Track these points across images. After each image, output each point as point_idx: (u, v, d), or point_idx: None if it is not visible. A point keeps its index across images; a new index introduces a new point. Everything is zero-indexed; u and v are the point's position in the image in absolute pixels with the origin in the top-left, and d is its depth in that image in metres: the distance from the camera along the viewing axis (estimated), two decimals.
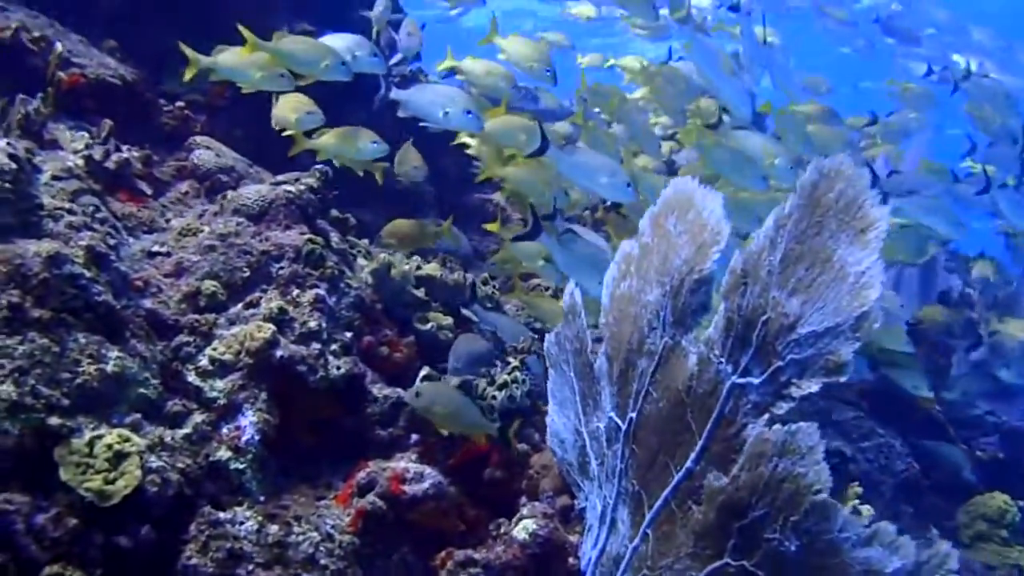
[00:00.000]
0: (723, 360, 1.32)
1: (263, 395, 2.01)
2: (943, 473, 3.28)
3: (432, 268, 2.81)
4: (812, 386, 1.17)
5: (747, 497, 1.30)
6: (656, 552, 1.63)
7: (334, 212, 2.75)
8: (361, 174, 2.69)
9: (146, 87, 2.92)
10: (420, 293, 2.72)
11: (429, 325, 2.61)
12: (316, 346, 2.15)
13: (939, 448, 3.29)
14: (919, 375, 3.10)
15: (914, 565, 1.13)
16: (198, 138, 2.83)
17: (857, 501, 2.54)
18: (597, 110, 3.36)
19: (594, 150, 2.99)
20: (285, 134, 2.49)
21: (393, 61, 2.64)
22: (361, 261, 2.66)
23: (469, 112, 2.51)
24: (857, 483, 2.67)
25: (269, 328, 2.08)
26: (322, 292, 2.24)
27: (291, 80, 2.29)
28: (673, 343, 1.50)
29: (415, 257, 2.90)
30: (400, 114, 2.58)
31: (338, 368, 2.17)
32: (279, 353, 2.06)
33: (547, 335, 1.95)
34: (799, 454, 1.20)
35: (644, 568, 1.67)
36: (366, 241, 2.86)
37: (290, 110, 2.39)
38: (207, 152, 2.75)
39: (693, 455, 1.51)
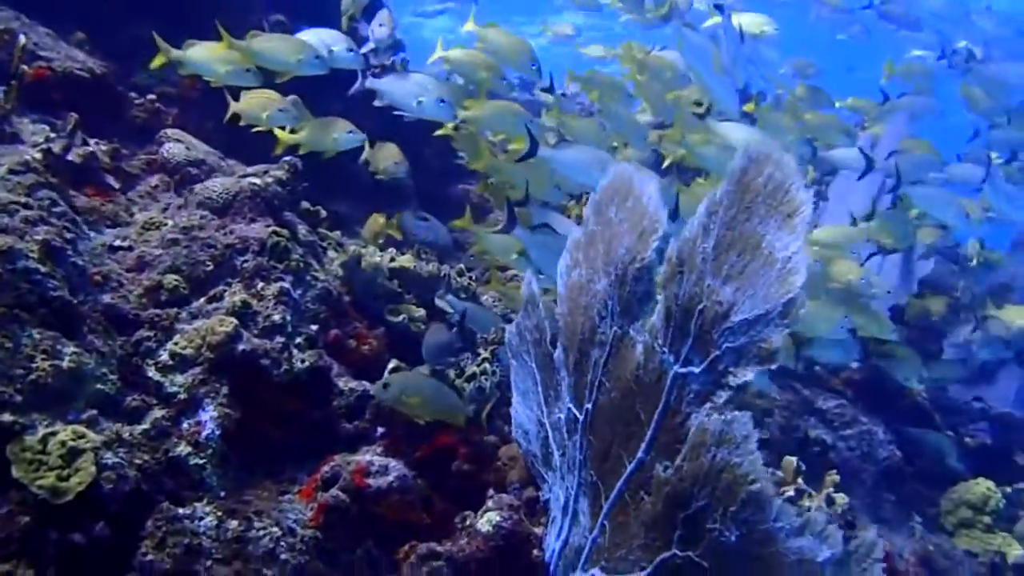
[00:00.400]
0: (666, 350, 1.30)
1: (224, 390, 2.00)
2: (928, 460, 3.26)
3: (406, 260, 2.79)
4: (748, 374, 1.15)
5: (690, 488, 1.28)
6: (612, 543, 1.61)
7: (305, 204, 2.73)
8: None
9: (116, 80, 2.90)
10: (393, 285, 2.70)
11: (401, 317, 2.60)
12: (280, 339, 2.13)
13: (924, 435, 3.27)
14: (914, 365, 3.07)
15: (843, 554, 1.11)
16: (169, 131, 2.81)
17: (833, 489, 2.52)
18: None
19: (580, 142, 2.97)
20: (255, 130, 2.48)
21: (363, 50, 2.62)
22: (332, 254, 2.65)
23: (442, 100, 2.49)
24: (835, 471, 2.64)
25: (231, 322, 2.06)
26: (287, 285, 2.22)
27: (258, 76, 2.27)
28: (622, 333, 1.48)
29: (391, 249, 2.88)
30: (376, 103, 2.56)
31: (302, 361, 2.15)
32: (241, 347, 2.05)
33: (508, 326, 1.93)
34: (735, 444, 1.18)
35: (602, 559, 1.65)
36: (338, 233, 2.84)
37: (260, 107, 2.37)
38: (177, 145, 2.73)
39: (644, 445, 1.49)
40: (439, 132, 3.05)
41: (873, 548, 1.09)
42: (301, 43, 2.31)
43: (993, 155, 4.11)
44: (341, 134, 2.54)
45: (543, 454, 1.91)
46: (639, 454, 1.51)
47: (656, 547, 1.44)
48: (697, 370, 1.24)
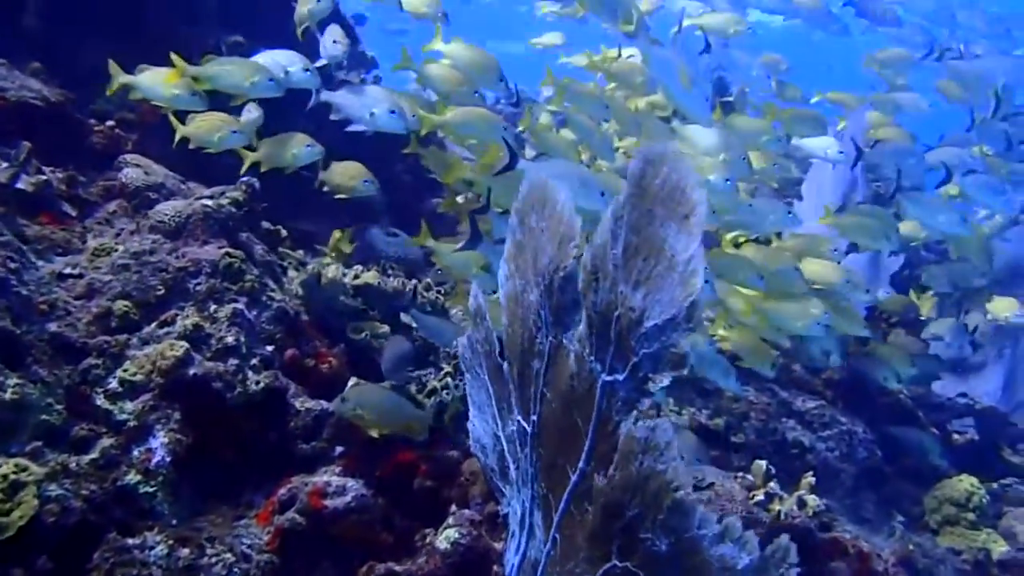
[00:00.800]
0: (592, 358, 1.27)
1: (176, 415, 1.97)
2: (911, 458, 3.22)
3: (370, 276, 2.76)
4: (664, 380, 1.12)
5: (622, 497, 1.25)
6: (563, 556, 1.58)
7: (266, 224, 2.71)
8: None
9: (75, 108, 2.89)
10: (356, 302, 2.67)
11: (363, 334, 2.57)
12: (234, 362, 2.11)
13: (906, 433, 3.23)
14: (898, 362, 3.03)
15: (760, 560, 1.08)
16: (128, 156, 2.79)
17: (809, 491, 2.48)
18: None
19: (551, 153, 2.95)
20: (206, 152, 2.47)
21: (317, 64, 2.61)
22: (292, 273, 2.63)
23: (393, 112, 2.48)
24: (811, 473, 2.60)
25: (182, 346, 2.03)
26: (240, 307, 2.20)
27: (204, 100, 2.27)
28: (557, 342, 1.45)
29: (357, 266, 2.86)
30: (332, 116, 2.55)
31: (257, 383, 2.12)
32: (193, 371, 2.02)
33: (460, 339, 1.91)
34: (659, 451, 1.15)
35: (554, 573, 1.62)
36: (301, 252, 2.82)
37: (210, 130, 2.37)
38: (135, 170, 2.71)
39: (584, 456, 1.46)
40: (407, 149, 3.04)
41: (788, 553, 1.06)
42: (254, 66, 2.31)
43: (979, 148, 4.11)
44: (299, 148, 2.54)
45: (500, 468, 1.88)
46: (580, 465, 1.48)
47: (599, 559, 1.41)
48: (621, 377, 1.21)
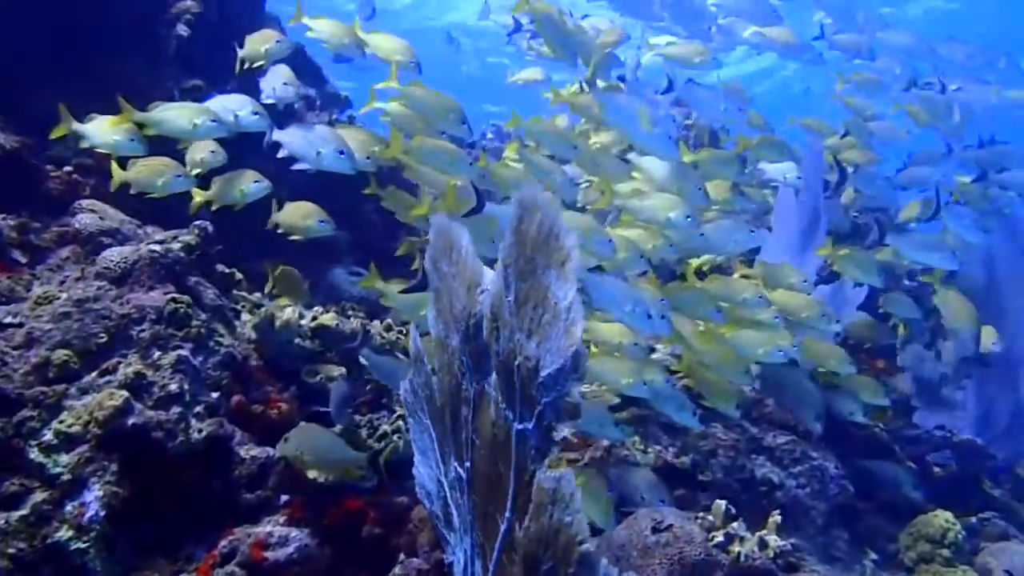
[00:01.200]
0: (505, 406, 1.24)
1: (113, 467, 1.93)
2: (886, 492, 3.15)
3: (328, 317, 2.73)
4: (565, 430, 1.09)
5: (536, 549, 1.21)
6: None
7: (220, 267, 2.68)
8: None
9: (31, 154, 2.87)
10: (313, 344, 2.64)
11: (318, 377, 2.53)
12: (177, 410, 2.07)
13: (880, 467, 3.16)
14: (871, 393, 2.99)
15: None
16: (84, 202, 2.77)
17: (775, 531, 2.42)
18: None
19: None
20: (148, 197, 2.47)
21: (265, 100, 2.62)
22: (246, 316, 2.59)
23: (341, 152, 2.48)
24: (779, 511, 2.55)
25: (121, 395, 1.99)
26: (185, 353, 2.17)
27: (144, 145, 2.28)
28: (480, 388, 1.42)
29: (317, 308, 2.83)
30: (279, 155, 2.55)
31: (200, 431, 2.08)
32: (132, 421, 1.98)
33: (403, 383, 1.87)
34: (565, 503, 1.11)
35: None
36: (258, 294, 2.79)
37: (152, 174, 2.36)
38: (90, 216, 2.69)
39: (509, 505, 1.42)
40: (366, 190, 3.03)
41: None
42: (197, 109, 2.32)
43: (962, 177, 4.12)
44: (247, 185, 2.56)
45: (444, 515, 1.83)
46: (507, 514, 1.44)
47: None
48: (530, 426, 1.18)
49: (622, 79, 3.09)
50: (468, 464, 1.62)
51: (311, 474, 2.04)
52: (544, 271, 0.98)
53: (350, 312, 2.89)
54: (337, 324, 2.71)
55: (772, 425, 3.20)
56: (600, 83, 2.80)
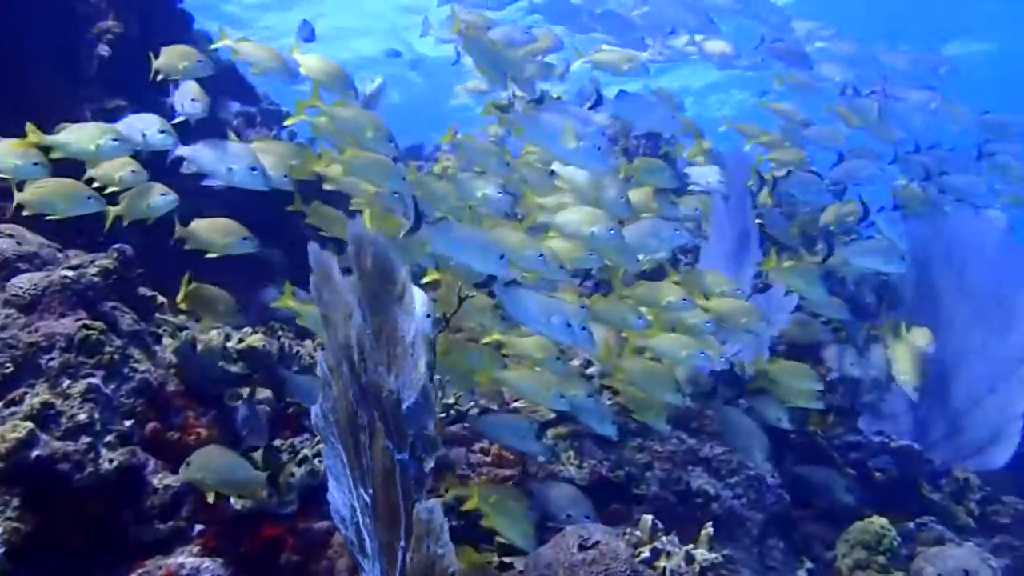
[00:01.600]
0: (386, 436, 1.22)
1: (15, 502, 1.88)
2: (821, 498, 3.17)
3: (255, 339, 2.68)
4: (430, 462, 1.07)
5: None
6: None
7: (142, 290, 2.63)
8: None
9: None
10: (238, 367, 2.59)
11: (240, 401, 2.48)
12: (86, 440, 2.01)
13: (812, 473, 3.18)
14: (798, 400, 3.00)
15: None
16: (1, 226, 2.70)
17: (707, 544, 2.42)
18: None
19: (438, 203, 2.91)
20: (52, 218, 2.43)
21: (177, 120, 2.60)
22: (167, 340, 2.54)
23: (254, 169, 2.46)
24: (711, 523, 2.54)
25: (25, 427, 1.94)
26: (97, 381, 2.11)
27: (46, 168, 2.24)
28: (371, 416, 1.39)
29: (246, 328, 2.78)
30: (183, 170, 2.53)
31: (111, 461, 2.03)
32: (36, 453, 1.92)
33: (312, 408, 1.84)
34: (437, 535, 1.09)
35: None
36: (183, 317, 2.73)
37: (55, 196, 2.32)
38: (7, 240, 2.62)
39: (403, 533, 1.40)
40: (291, 207, 2.99)
41: None
42: (100, 129, 2.30)
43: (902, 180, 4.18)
44: (154, 198, 2.53)
45: (358, 540, 1.80)
46: (401, 542, 1.42)
47: None
48: (407, 457, 1.16)
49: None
50: (371, 491, 1.59)
51: (211, 497, 2.00)
52: (389, 306, 0.97)
53: (280, 332, 2.84)
54: (264, 345, 2.66)
55: (711, 436, 3.21)
56: (524, 100, 2.80)
